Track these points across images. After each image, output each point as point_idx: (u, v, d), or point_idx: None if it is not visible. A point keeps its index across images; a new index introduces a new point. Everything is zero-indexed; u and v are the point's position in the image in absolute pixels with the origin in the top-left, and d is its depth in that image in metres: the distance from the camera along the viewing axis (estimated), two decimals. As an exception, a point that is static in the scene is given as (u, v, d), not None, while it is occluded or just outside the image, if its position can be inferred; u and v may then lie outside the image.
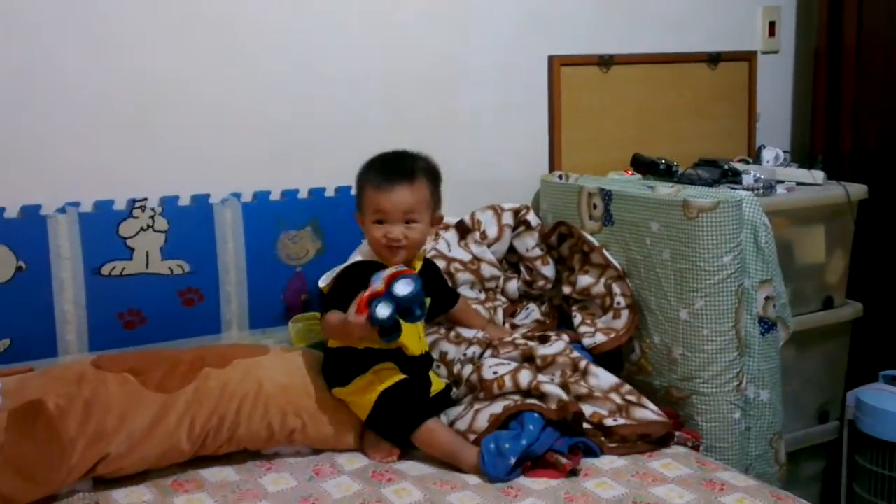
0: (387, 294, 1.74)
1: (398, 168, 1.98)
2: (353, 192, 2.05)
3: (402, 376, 1.93)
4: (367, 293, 1.77)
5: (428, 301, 1.94)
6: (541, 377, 1.99)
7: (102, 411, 1.76)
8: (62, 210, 2.05)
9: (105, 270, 2.10)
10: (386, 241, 1.94)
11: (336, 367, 1.95)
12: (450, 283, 2.35)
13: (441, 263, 2.37)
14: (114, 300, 2.11)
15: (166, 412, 1.81)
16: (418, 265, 2.07)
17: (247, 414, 1.86)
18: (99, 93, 2.11)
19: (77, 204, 2.07)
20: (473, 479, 1.80)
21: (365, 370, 1.92)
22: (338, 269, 2.00)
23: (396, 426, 1.89)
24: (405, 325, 1.82)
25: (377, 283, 1.78)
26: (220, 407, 1.84)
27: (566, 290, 2.38)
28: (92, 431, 1.74)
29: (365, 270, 1.90)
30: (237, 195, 2.25)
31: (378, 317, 1.73)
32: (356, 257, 2.02)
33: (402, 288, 1.74)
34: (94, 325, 2.09)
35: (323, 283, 2.01)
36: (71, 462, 1.71)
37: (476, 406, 1.96)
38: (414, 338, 1.99)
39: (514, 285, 2.48)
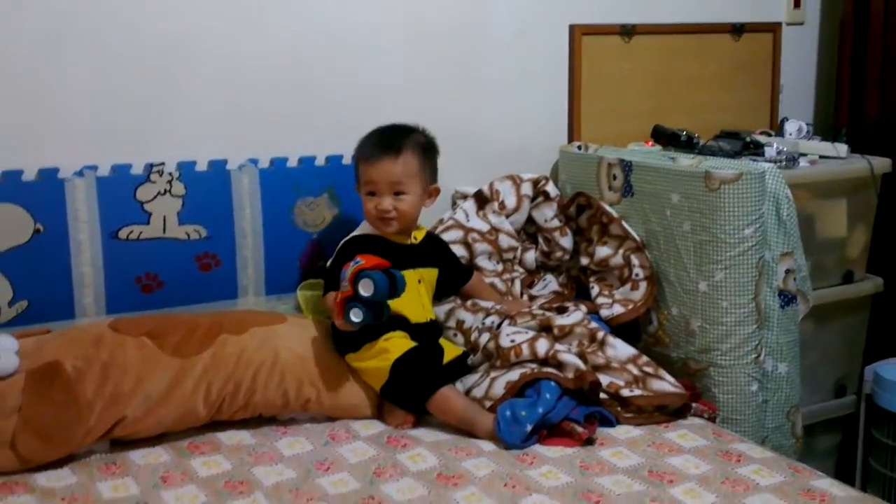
0: (354, 295, 1.79)
1: (386, 141, 2.04)
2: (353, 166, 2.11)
3: (412, 344, 1.94)
4: (339, 295, 1.82)
5: (434, 273, 2.07)
6: (558, 346, 1.98)
7: (120, 374, 1.77)
8: (80, 173, 2.05)
9: (122, 234, 2.10)
10: (376, 213, 2.01)
11: (344, 334, 1.94)
12: (467, 254, 2.34)
13: (458, 233, 2.36)
14: (131, 264, 2.11)
15: (183, 377, 1.81)
16: (420, 236, 2.11)
17: (263, 381, 1.86)
18: (118, 57, 2.10)
19: (95, 167, 2.07)
20: (488, 446, 1.81)
21: (374, 337, 1.92)
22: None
23: (411, 394, 1.89)
24: (406, 295, 1.87)
25: (343, 283, 1.81)
26: (236, 373, 1.85)
27: (584, 261, 2.37)
28: (109, 394, 1.75)
29: (360, 245, 1.99)
30: (254, 161, 2.24)
31: (353, 321, 1.80)
32: (358, 231, 2.08)
33: (365, 289, 1.78)
34: (112, 289, 2.10)
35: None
36: (88, 424, 1.72)
37: (492, 374, 1.95)
38: (417, 306, 2.01)
39: (531, 256, 2.47)
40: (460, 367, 2.04)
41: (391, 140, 2.04)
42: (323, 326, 2.02)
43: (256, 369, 1.86)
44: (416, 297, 2.01)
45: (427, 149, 2.09)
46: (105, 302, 2.09)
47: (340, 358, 1.96)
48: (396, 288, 1.80)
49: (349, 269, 1.81)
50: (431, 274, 2.12)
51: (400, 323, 1.96)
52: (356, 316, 1.80)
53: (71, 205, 2.03)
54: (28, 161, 2.01)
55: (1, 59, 1.99)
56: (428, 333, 2.03)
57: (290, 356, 1.91)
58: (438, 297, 2.18)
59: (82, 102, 2.07)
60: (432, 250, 2.15)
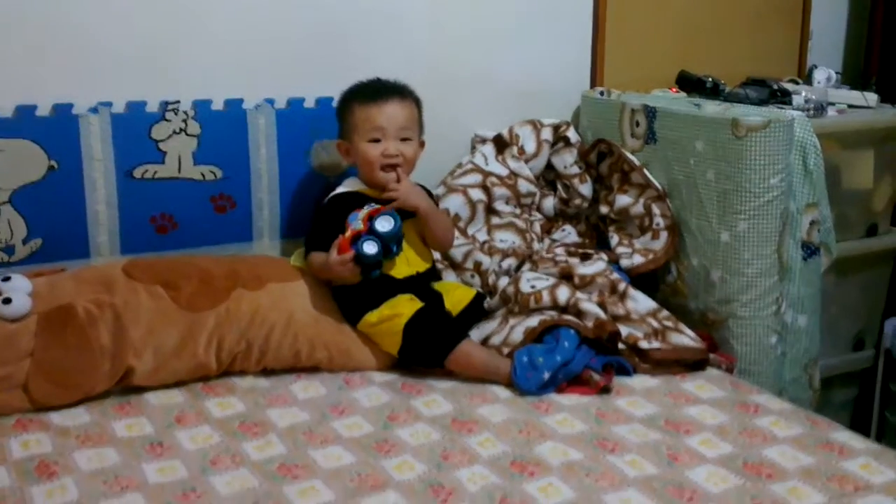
0: (369, 231, 1.78)
1: (389, 85, 1.99)
2: (337, 118, 2.04)
3: (419, 304, 1.88)
4: (347, 234, 1.80)
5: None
6: (579, 294, 1.95)
7: (132, 323, 1.76)
8: (94, 110, 2.02)
9: (137, 173, 2.07)
10: (383, 158, 1.93)
11: (345, 302, 1.91)
12: (486, 197, 2.31)
13: (477, 177, 2.33)
14: (145, 203, 2.09)
15: (195, 332, 1.79)
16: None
17: (276, 342, 1.84)
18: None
19: (109, 104, 2.04)
20: (504, 393, 1.80)
21: (375, 305, 1.88)
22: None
23: (428, 354, 1.85)
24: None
25: (356, 223, 1.80)
26: (249, 332, 1.83)
27: (603, 209, 2.33)
28: (120, 343, 1.73)
29: (345, 203, 1.92)
30: (271, 101, 2.20)
31: (366, 253, 1.78)
32: (341, 188, 2.01)
33: (383, 224, 1.78)
34: (126, 228, 2.08)
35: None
36: (101, 370, 1.71)
37: (511, 320, 1.93)
38: (400, 263, 1.94)
39: (550, 202, 2.44)
40: (474, 313, 2.01)
41: (393, 85, 1.99)
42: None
43: (270, 329, 1.84)
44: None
45: (419, 100, 2.04)
46: (119, 241, 2.07)
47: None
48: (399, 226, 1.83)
49: (363, 211, 1.80)
50: (416, 223, 2.00)
51: (388, 283, 1.90)
52: (370, 248, 1.78)
53: (85, 141, 2.01)
54: (42, 95, 1.98)
55: (14, -8, 1.95)
56: (419, 284, 1.96)
57: (304, 316, 1.87)
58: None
59: (97, 36, 2.03)
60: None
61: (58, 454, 1.51)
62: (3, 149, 1.93)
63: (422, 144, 2.05)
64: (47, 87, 1.99)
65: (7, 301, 1.71)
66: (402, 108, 1.97)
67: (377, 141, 1.94)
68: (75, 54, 2.02)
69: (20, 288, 1.76)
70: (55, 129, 1.98)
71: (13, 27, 1.95)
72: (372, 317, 1.87)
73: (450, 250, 2.16)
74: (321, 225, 1.94)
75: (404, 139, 1.96)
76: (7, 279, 1.77)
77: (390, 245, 1.83)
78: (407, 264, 1.96)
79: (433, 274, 2.06)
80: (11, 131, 1.94)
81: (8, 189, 1.95)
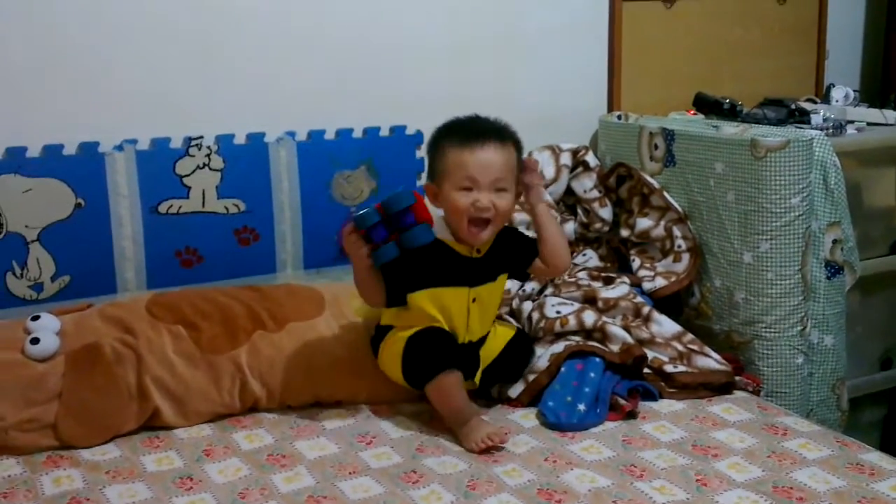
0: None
1: (488, 127, 1.77)
2: (426, 157, 1.84)
3: (436, 324, 1.76)
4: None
5: (499, 285, 1.83)
6: (605, 318, 1.96)
7: (155, 364, 1.77)
8: (119, 147, 2.05)
9: (162, 208, 2.10)
10: (473, 210, 1.71)
11: (380, 338, 1.84)
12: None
13: (497, 204, 2.33)
14: (171, 238, 2.11)
15: (216, 375, 1.80)
16: (486, 246, 1.80)
17: (297, 387, 1.84)
18: (157, 29, 2.09)
19: (134, 141, 2.07)
20: (529, 422, 1.80)
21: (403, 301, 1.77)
22: None
23: (416, 375, 1.74)
24: (452, 312, 1.76)
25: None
26: (269, 377, 1.83)
27: (624, 233, 2.33)
28: (146, 383, 1.75)
29: (424, 251, 1.68)
30: (292, 134, 2.23)
31: (358, 213, 1.64)
32: None
33: (388, 199, 1.64)
34: (152, 263, 2.10)
35: None
36: (130, 410, 1.73)
37: (536, 348, 1.93)
38: (460, 326, 1.78)
39: (570, 227, 2.44)
40: (517, 351, 1.90)
41: (493, 127, 1.77)
42: (360, 326, 1.94)
43: (290, 374, 1.84)
44: (460, 315, 1.78)
45: (520, 144, 1.82)
46: (146, 276, 2.10)
47: (374, 358, 1.86)
48: (422, 235, 1.64)
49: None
50: (492, 288, 1.83)
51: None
52: (366, 208, 1.65)
53: (111, 179, 2.04)
54: (68, 135, 2.01)
55: (42, 34, 1.99)
56: (470, 358, 1.81)
57: (323, 360, 1.86)
58: (516, 274, 1.96)
59: (121, 75, 2.07)
60: (498, 256, 1.82)
61: (89, 490, 1.52)
62: (31, 188, 1.97)
63: (518, 194, 1.81)
64: (74, 126, 2.02)
65: (35, 341, 1.73)
66: (500, 154, 1.73)
67: (468, 189, 1.73)
68: (100, 94, 2.05)
69: (48, 327, 1.78)
70: (82, 168, 2.01)
71: (40, 70, 1.99)
72: (385, 341, 1.81)
73: (565, 272, 2.07)
74: (393, 268, 1.72)
75: (499, 189, 1.73)
76: (36, 318, 1.79)
77: (404, 217, 1.63)
78: (466, 331, 1.80)
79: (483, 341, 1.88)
80: (39, 170, 1.97)
81: (37, 227, 1.98)
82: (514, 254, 1.85)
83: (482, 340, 1.85)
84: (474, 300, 1.79)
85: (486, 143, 1.72)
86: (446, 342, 1.74)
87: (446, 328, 1.77)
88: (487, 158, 1.72)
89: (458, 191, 1.72)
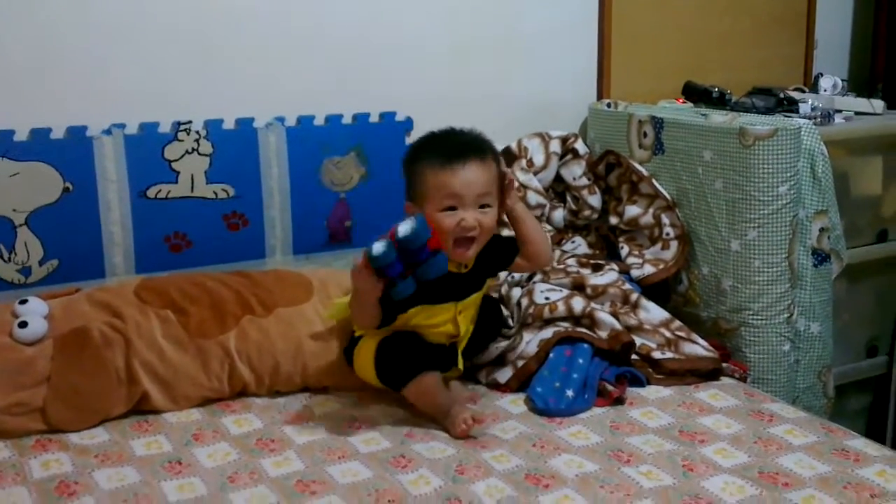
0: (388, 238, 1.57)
1: (466, 143, 1.72)
2: (404, 176, 1.77)
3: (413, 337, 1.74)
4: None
5: (481, 294, 1.79)
6: (594, 304, 1.96)
7: (144, 348, 1.77)
8: (108, 132, 2.04)
9: (151, 193, 2.09)
10: (459, 230, 1.67)
11: (352, 348, 1.82)
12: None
13: (487, 191, 2.33)
14: (160, 223, 2.11)
15: (205, 359, 1.80)
16: (472, 261, 1.77)
17: (285, 372, 1.84)
18: (146, 14, 2.08)
19: (123, 126, 2.06)
20: (518, 408, 1.80)
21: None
22: None
23: (392, 379, 1.72)
24: (435, 322, 1.74)
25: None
26: (258, 362, 1.83)
27: (613, 220, 2.34)
28: (134, 367, 1.75)
29: None
30: (281, 119, 2.22)
31: (373, 252, 1.55)
32: None
33: (403, 228, 1.55)
34: (141, 248, 2.10)
35: None
36: (118, 394, 1.73)
37: (525, 335, 1.94)
38: (440, 334, 1.77)
39: (559, 214, 2.45)
40: (489, 321, 1.90)
41: (472, 142, 1.73)
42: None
43: (278, 359, 1.84)
44: (447, 328, 1.77)
45: (498, 155, 1.79)
46: (134, 261, 2.09)
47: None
48: (438, 266, 1.59)
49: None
50: (475, 298, 1.82)
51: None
52: (378, 247, 1.55)
53: (99, 163, 2.03)
54: (56, 119, 2.00)
55: (29, 18, 1.97)
56: (441, 353, 1.79)
57: (311, 345, 1.86)
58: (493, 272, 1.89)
59: (109, 59, 2.06)
60: (484, 266, 1.80)
61: (77, 474, 1.52)
62: (18, 172, 1.96)
63: (501, 204, 1.77)
64: (61, 109, 2.01)
65: (23, 325, 1.72)
66: (482, 170, 1.68)
67: (452, 209, 1.68)
68: (88, 77, 2.04)
69: (36, 311, 1.77)
70: (70, 152, 2.00)
71: (27, 52, 1.98)
72: (357, 349, 1.78)
73: (548, 266, 2.05)
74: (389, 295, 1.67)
75: (483, 206, 1.70)
76: (24, 302, 1.79)
77: (418, 252, 1.57)
78: (446, 338, 1.80)
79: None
80: (27, 154, 1.96)
81: (24, 211, 1.97)
82: (498, 259, 1.83)
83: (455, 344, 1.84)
84: (461, 312, 1.78)
85: (468, 162, 1.68)
86: (415, 344, 1.73)
87: (430, 340, 1.76)
88: (470, 177, 1.67)
89: (441, 211, 1.67)
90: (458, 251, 1.70)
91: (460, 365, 1.83)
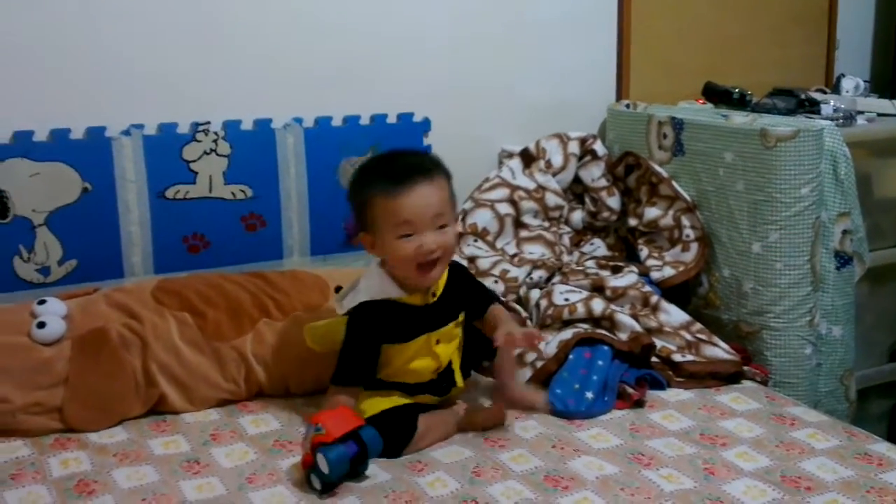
0: (316, 461, 1.46)
1: (410, 164, 1.63)
2: (351, 207, 1.68)
3: (393, 402, 1.65)
4: (311, 441, 1.48)
5: (459, 322, 1.72)
6: (613, 306, 1.95)
7: (161, 350, 1.76)
8: (127, 132, 2.05)
9: (169, 194, 2.10)
10: (420, 257, 1.59)
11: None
12: (514, 212, 2.30)
13: (505, 191, 2.33)
14: (178, 223, 2.11)
15: (222, 362, 1.80)
16: (440, 288, 1.69)
17: (301, 377, 1.84)
18: (164, 15, 2.08)
19: (141, 126, 2.07)
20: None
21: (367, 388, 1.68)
22: (345, 300, 1.68)
23: (388, 452, 1.59)
24: (417, 360, 1.67)
25: (306, 441, 1.50)
26: (274, 366, 1.82)
27: (632, 222, 2.33)
28: (151, 370, 1.75)
29: (371, 317, 1.63)
30: (299, 120, 2.22)
31: (312, 484, 1.47)
32: (359, 296, 1.65)
33: (323, 467, 1.44)
34: (159, 248, 2.10)
35: (338, 308, 1.71)
36: (136, 395, 1.73)
37: (544, 334, 1.93)
38: (427, 367, 1.68)
39: (578, 216, 2.44)
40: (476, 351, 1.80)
41: (415, 162, 1.64)
42: None
43: (293, 363, 1.83)
44: (428, 360, 1.68)
45: (447, 170, 1.68)
46: (153, 261, 2.10)
47: None
48: (364, 459, 1.50)
49: (308, 434, 1.49)
50: (453, 327, 1.72)
51: (398, 386, 1.68)
52: (315, 482, 1.47)
53: (118, 164, 2.03)
54: (75, 119, 2.01)
55: (49, 20, 1.98)
56: (436, 382, 1.71)
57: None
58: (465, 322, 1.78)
59: (129, 60, 2.06)
60: (453, 296, 1.71)
61: (96, 472, 1.52)
62: (38, 172, 1.96)
63: (456, 219, 1.71)
64: (81, 110, 2.02)
65: (42, 325, 1.72)
66: (432, 190, 1.60)
67: (408, 235, 1.59)
68: (107, 78, 2.05)
69: (54, 311, 1.77)
70: (89, 152, 2.01)
71: (47, 53, 1.99)
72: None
73: None
74: (351, 348, 1.64)
75: (441, 226, 1.61)
76: (42, 302, 1.79)
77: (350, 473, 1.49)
78: (436, 368, 1.69)
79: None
80: (46, 154, 1.97)
81: (44, 211, 1.98)
82: (468, 298, 1.75)
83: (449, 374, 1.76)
84: (437, 342, 1.69)
85: (415, 184, 1.58)
86: (404, 417, 1.63)
87: (406, 380, 1.68)
88: (421, 200, 1.58)
89: (398, 239, 1.59)
90: (422, 276, 1.62)
91: (460, 383, 1.76)
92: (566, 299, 1.96)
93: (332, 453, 1.44)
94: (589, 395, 1.77)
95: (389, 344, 1.66)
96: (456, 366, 1.76)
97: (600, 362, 1.83)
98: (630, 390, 1.80)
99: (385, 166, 1.64)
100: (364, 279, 1.69)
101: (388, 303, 1.64)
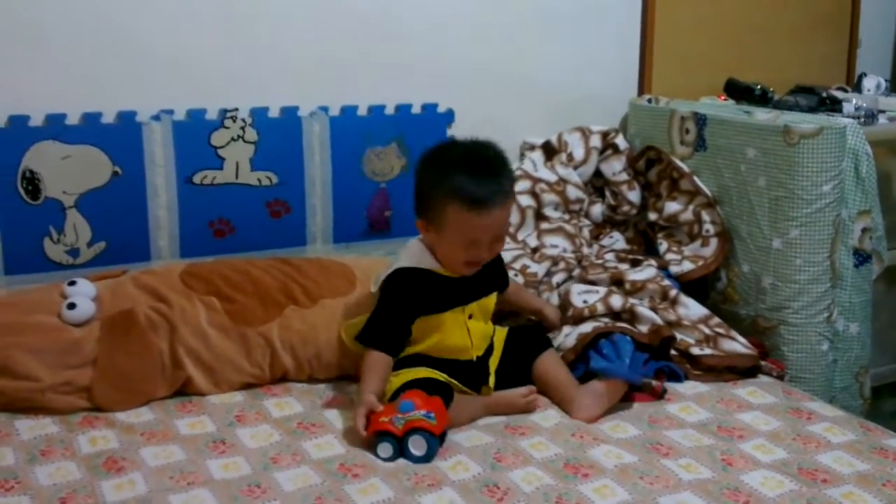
0: (397, 442, 1.54)
1: (495, 185, 1.65)
2: (419, 190, 1.72)
3: (423, 374, 1.69)
4: (384, 417, 1.55)
5: (491, 299, 1.81)
6: (633, 300, 1.97)
7: (188, 334, 1.79)
8: (157, 117, 2.08)
9: (197, 179, 2.12)
10: (469, 263, 1.70)
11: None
12: (535, 203, 2.32)
13: (527, 184, 2.35)
14: (205, 208, 2.14)
15: (248, 346, 1.82)
16: None
17: (325, 361, 1.86)
18: (197, 2, 2.11)
19: (171, 112, 2.09)
20: (556, 403, 1.81)
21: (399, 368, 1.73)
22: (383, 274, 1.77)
23: None
24: (450, 334, 1.73)
25: (398, 419, 1.55)
26: (300, 350, 1.84)
27: (652, 216, 2.34)
28: (178, 353, 1.77)
29: (414, 283, 1.70)
30: (325, 109, 2.24)
31: (380, 455, 1.55)
32: (400, 262, 1.75)
33: (416, 449, 1.54)
34: (186, 232, 2.13)
35: (374, 287, 1.81)
36: (163, 377, 1.76)
37: (565, 329, 1.95)
38: (461, 344, 1.73)
39: (598, 209, 2.45)
40: (523, 343, 1.86)
41: (498, 184, 1.66)
42: None
43: (320, 349, 1.85)
44: (461, 335, 1.74)
45: (514, 181, 1.77)
46: (179, 245, 2.13)
47: None
48: (432, 457, 1.56)
49: (400, 414, 1.55)
50: (485, 302, 1.81)
51: (432, 362, 1.72)
52: (384, 452, 1.55)
53: (148, 148, 2.06)
54: (106, 104, 2.04)
55: (83, 6, 2.01)
56: (471, 372, 1.75)
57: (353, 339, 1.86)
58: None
59: (160, 47, 2.09)
60: (486, 271, 1.78)
61: (124, 450, 1.55)
62: (70, 154, 2.00)
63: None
64: (112, 95, 2.05)
65: (72, 306, 1.76)
66: (504, 214, 1.69)
67: (472, 244, 1.68)
68: (139, 64, 2.08)
69: (84, 292, 1.81)
70: (119, 136, 2.04)
71: (80, 38, 2.02)
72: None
73: None
74: (384, 308, 1.71)
75: (497, 238, 1.72)
76: (73, 283, 1.82)
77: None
78: (469, 348, 1.75)
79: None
80: (78, 138, 2.00)
81: (74, 194, 2.01)
82: (495, 277, 1.84)
83: (490, 350, 1.81)
84: (470, 317, 1.76)
85: (493, 208, 1.64)
86: (440, 386, 1.67)
87: (445, 355, 1.73)
88: (493, 222, 1.67)
89: (457, 244, 1.68)
90: (466, 269, 1.73)
91: (491, 383, 1.78)
92: (584, 301, 1.96)
93: (434, 443, 1.55)
94: (627, 361, 1.78)
95: (422, 315, 1.71)
96: (493, 367, 1.80)
97: (626, 347, 1.83)
98: (653, 382, 1.82)
99: (469, 173, 1.65)
100: (404, 251, 1.78)
101: (424, 272, 1.72)
